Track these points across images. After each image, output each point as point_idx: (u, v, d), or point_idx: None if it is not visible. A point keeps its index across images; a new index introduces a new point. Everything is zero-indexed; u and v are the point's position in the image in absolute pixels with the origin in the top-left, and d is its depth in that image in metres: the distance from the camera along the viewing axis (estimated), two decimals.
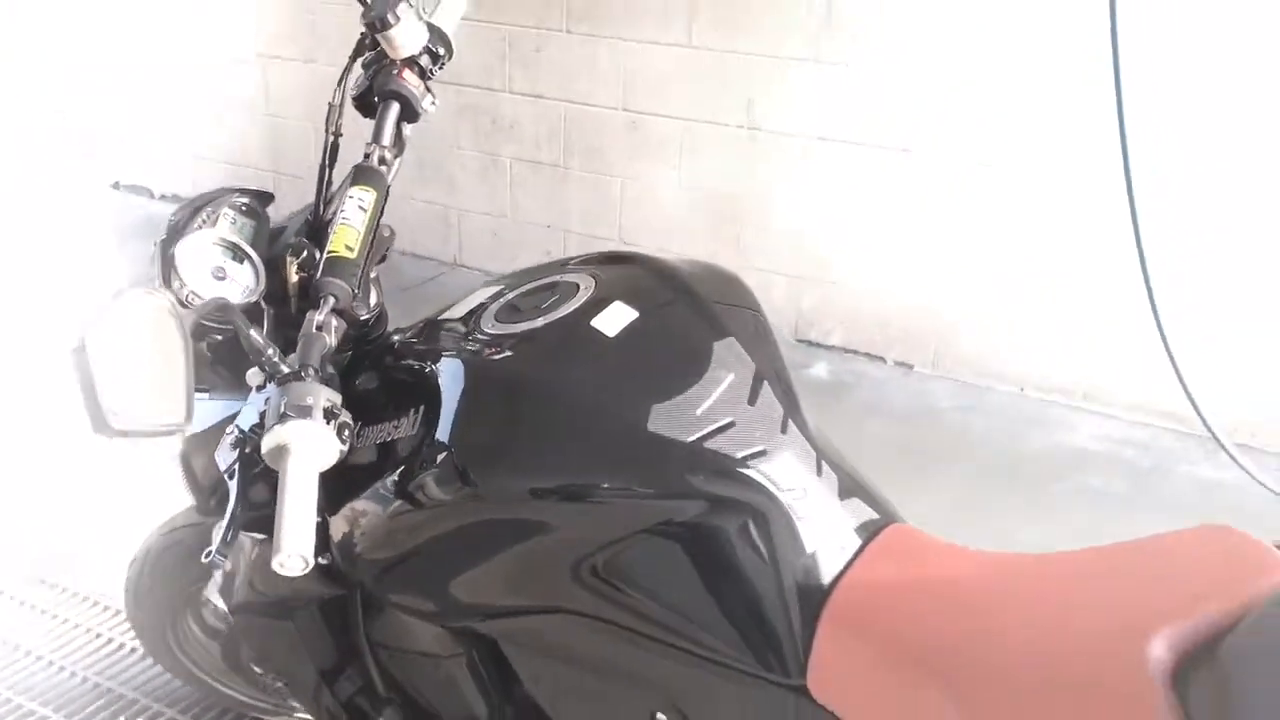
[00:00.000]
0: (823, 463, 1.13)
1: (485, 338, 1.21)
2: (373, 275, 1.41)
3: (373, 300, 1.38)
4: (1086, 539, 1.03)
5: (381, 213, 1.30)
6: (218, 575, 1.52)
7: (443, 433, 1.13)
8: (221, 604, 1.74)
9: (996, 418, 3.20)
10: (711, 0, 3.40)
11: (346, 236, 1.21)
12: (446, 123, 3.98)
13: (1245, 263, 2.94)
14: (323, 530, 1.29)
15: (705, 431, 1.09)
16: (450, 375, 1.18)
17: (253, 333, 1.14)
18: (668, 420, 1.09)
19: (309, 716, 1.98)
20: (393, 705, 1.40)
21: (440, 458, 1.13)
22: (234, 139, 4.49)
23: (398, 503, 1.17)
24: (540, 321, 1.19)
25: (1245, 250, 2.93)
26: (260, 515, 1.23)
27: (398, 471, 1.17)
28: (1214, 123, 2.85)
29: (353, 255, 1.20)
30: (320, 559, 1.32)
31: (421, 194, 4.14)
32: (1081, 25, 2.86)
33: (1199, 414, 2.68)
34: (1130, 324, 2.98)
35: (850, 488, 1.14)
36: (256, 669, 1.87)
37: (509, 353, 1.18)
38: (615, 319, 1.16)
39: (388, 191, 1.33)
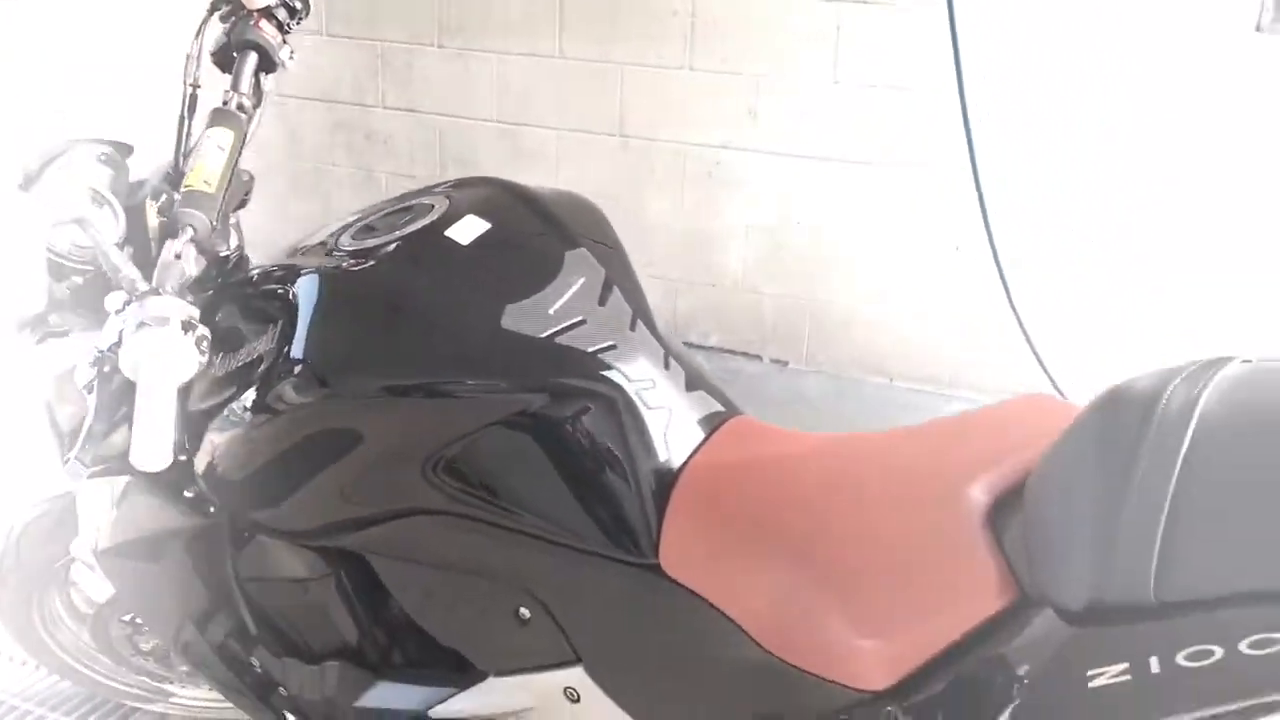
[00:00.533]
0: (670, 359, 1.20)
1: (340, 254, 1.24)
2: (233, 220, 1.43)
3: (233, 243, 1.40)
4: None
5: (239, 156, 1.32)
6: (84, 533, 1.51)
7: (297, 345, 1.17)
8: (89, 583, 1.71)
9: (867, 404, 3.31)
10: (580, 13, 3.49)
11: (204, 172, 1.24)
12: (320, 139, 3.98)
13: (1096, 244, 3.12)
14: (188, 464, 1.30)
15: (556, 329, 1.15)
16: (305, 291, 1.21)
17: (112, 251, 1.15)
18: (519, 318, 1.14)
19: (183, 701, 1.95)
20: (263, 644, 1.40)
21: (296, 368, 1.16)
22: None
23: (255, 418, 1.19)
24: (394, 235, 1.23)
25: (1095, 232, 3.11)
26: (120, 426, 1.23)
27: (254, 389, 1.19)
28: (1056, 107, 3.03)
29: (210, 189, 1.23)
30: (187, 492, 1.33)
31: (296, 210, 4.12)
32: None
33: (1056, 388, 2.83)
34: (993, 312, 3.13)
35: (696, 382, 1.21)
36: (127, 648, 1.83)
37: (363, 264, 1.21)
38: (468, 230, 1.21)
39: (246, 137, 1.35)
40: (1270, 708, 0.80)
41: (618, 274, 1.23)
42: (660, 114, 3.48)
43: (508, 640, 1.18)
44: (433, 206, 1.26)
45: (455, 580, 1.20)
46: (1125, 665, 0.83)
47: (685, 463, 1.13)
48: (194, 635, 1.43)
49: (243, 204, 1.46)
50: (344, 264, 1.23)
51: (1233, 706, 0.80)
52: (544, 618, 1.15)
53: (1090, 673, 0.84)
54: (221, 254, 1.36)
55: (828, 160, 3.31)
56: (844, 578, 1.00)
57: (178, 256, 1.20)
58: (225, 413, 1.23)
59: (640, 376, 1.15)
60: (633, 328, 1.19)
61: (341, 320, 1.20)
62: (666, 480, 1.12)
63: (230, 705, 1.89)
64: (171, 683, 1.94)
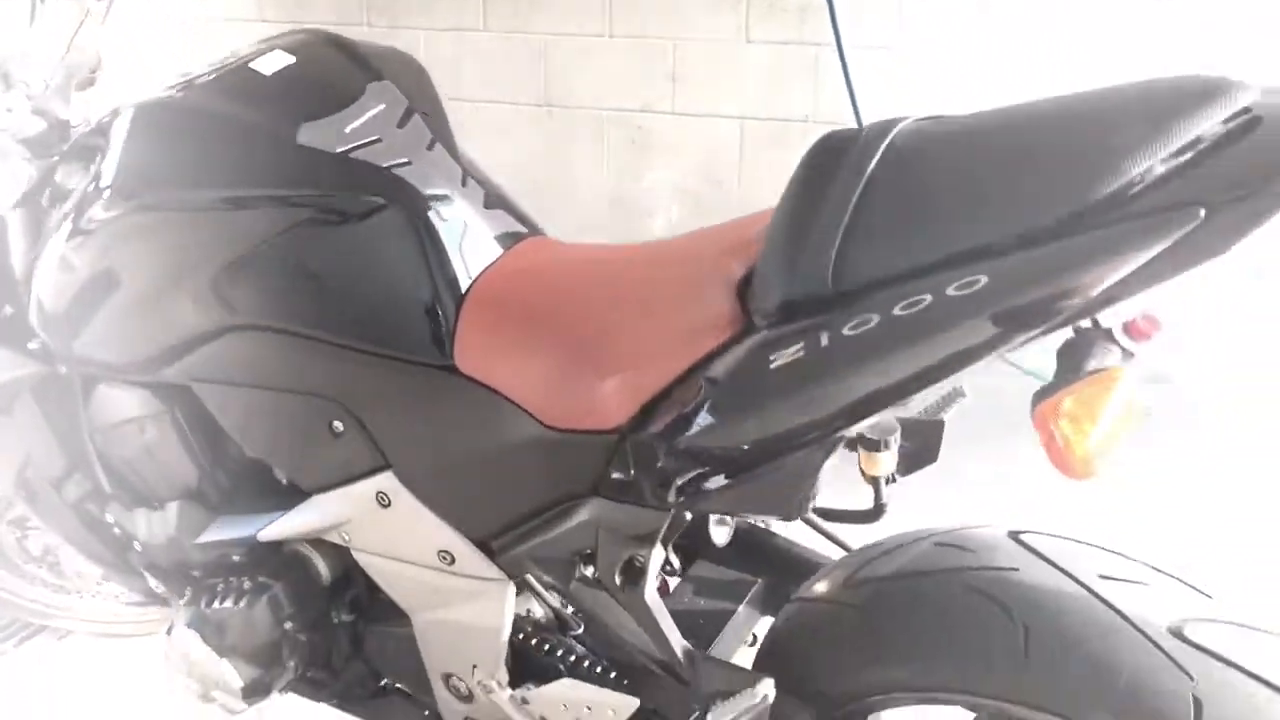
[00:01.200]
0: (469, 178, 1.25)
1: (160, 94, 1.30)
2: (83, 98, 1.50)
3: (78, 118, 1.47)
4: None
5: (77, 32, 1.39)
6: None
7: (107, 170, 1.24)
8: None
9: None
10: None
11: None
12: None
13: None
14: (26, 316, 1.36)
15: (350, 145, 1.20)
16: (119, 124, 1.29)
17: None
18: (312, 134, 1.20)
19: (86, 615, 1.97)
20: (116, 500, 1.44)
21: (105, 192, 1.23)
22: None
23: (72, 249, 1.25)
24: (205, 72, 1.29)
25: None
26: None
27: (69, 220, 1.26)
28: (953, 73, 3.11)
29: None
30: (32, 344, 1.38)
31: None
32: None
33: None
34: None
35: (496, 202, 1.26)
36: (18, 554, 1.86)
37: (173, 95, 1.27)
38: (273, 63, 1.28)
39: (89, 14, 1.42)
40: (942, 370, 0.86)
41: (420, 105, 1.29)
42: (582, 82, 3.56)
43: (325, 455, 1.22)
44: (253, 52, 1.33)
45: (272, 400, 1.24)
46: (800, 345, 0.89)
47: (482, 273, 1.19)
48: (54, 499, 1.47)
49: (90, 83, 1.52)
50: (157, 98, 1.29)
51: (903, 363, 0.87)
52: (355, 428, 1.20)
53: (771, 357, 0.91)
54: (62, 118, 1.42)
55: (770, 123, 3.38)
56: (601, 341, 1.05)
57: (9, 110, 1.27)
58: (48, 253, 1.29)
59: (434, 192, 1.21)
60: (430, 148, 1.25)
61: (142, 140, 1.26)
62: (459, 288, 1.17)
63: (135, 620, 1.92)
64: (69, 593, 1.96)
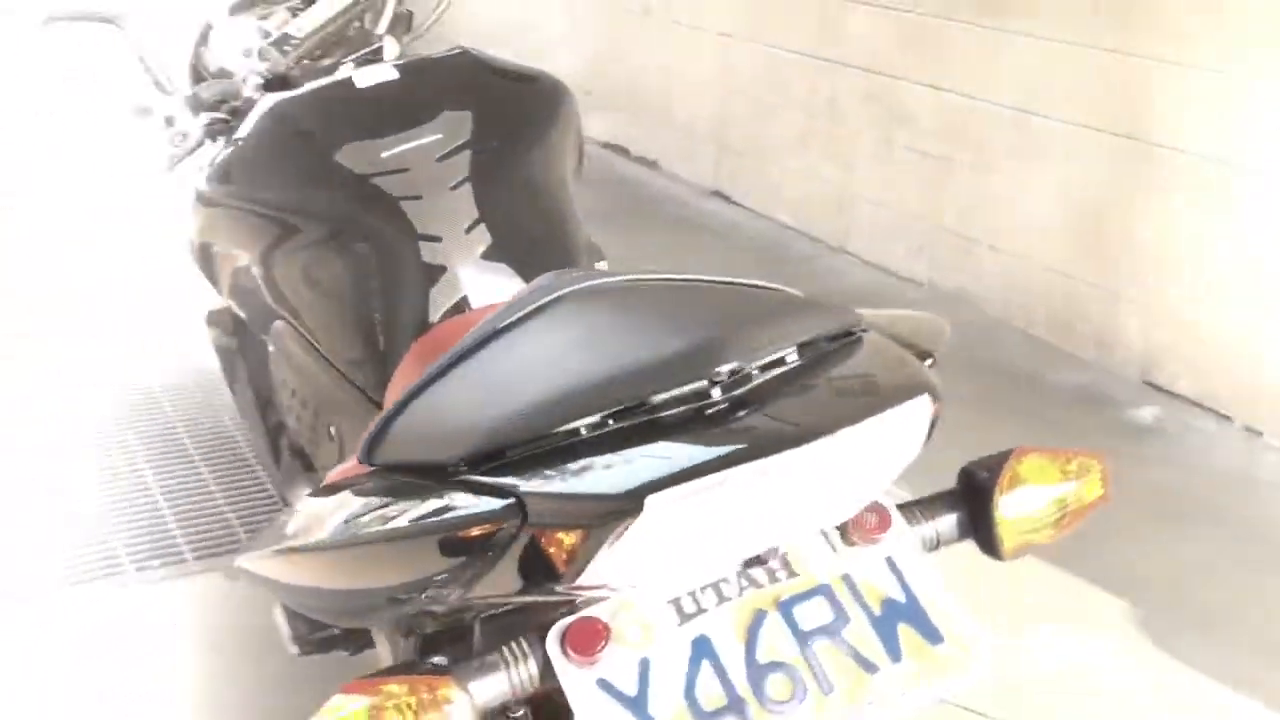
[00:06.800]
0: (481, 226, 1.22)
1: (283, 95, 1.42)
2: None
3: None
4: None
5: (349, 18, 1.54)
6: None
7: (222, 153, 1.42)
8: None
9: None
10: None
11: (300, 21, 1.46)
12: (851, 107, 4.04)
13: None
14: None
15: (377, 170, 1.25)
16: (250, 115, 1.42)
17: (148, 57, 1.50)
18: (353, 153, 1.26)
19: None
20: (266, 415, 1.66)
21: (214, 173, 1.42)
22: None
23: (197, 212, 1.46)
24: (336, 75, 1.41)
25: None
26: None
27: (198, 192, 1.47)
28: None
29: (298, 37, 1.45)
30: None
31: (820, 173, 4.25)
32: None
33: None
34: None
35: (500, 255, 1.22)
36: None
37: (283, 98, 1.39)
38: (374, 76, 1.34)
39: (365, 2, 1.56)
40: None
41: (488, 141, 1.27)
42: (1186, 122, 3.02)
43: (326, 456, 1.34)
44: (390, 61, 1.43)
45: (299, 386, 1.35)
46: None
47: (441, 319, 1.16)
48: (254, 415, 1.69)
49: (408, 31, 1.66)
50: (280, 96, 1.41)
51: None
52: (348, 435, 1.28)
53: None
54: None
55: None
56: None
57: (204, 73, 1.53)
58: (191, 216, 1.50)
59: (427, 231, 1.20)
60: (455, 188, 1.23)
61: (247, 133, 1.39)
62: (409, 330, 1.15)
63: None
64: None
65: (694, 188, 4.84)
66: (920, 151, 3.83)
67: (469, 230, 1.22)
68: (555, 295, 0.82)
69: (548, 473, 0.73)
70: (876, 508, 0.85)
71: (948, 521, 0.90)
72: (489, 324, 0.83)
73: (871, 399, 0.81)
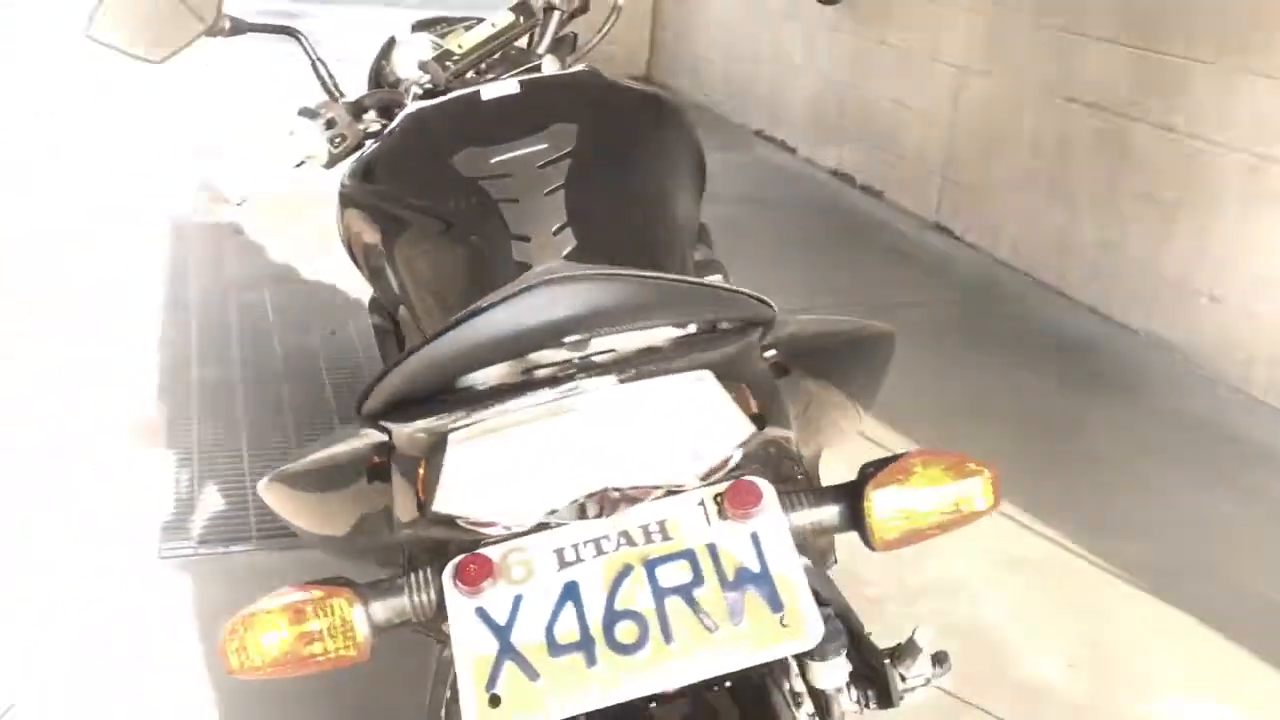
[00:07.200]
0: (567, 229, 1.29)
1: (427, 102, 1.56)
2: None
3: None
4: None
5: (510, 36, 1.66)
6: None
7: (368, 153, 1.55)
8: None
9: None
10: None
11: (462, 37, 1.59)
12: (1080, 146, 3.92)
13: None
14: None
15: (484, 175, 1.34)
16: (399, 120, 1.56)
17: (319, 67, 1.66)
18: (467, 158, 1.36)
19: None
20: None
21: (358, 171, 1.55)
22: None
23: (346, 210, 1.58)
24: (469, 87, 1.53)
25: None
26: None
27: (345, 185, 1.59)
28: None
29: (457, 53, 1.58)
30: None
31: (1042, 212, 4.13)
32: None
33: None
34: None
35: (584, 258, 1.27)
36: None
37: (424, 106, 1.53)
38: (499, 90, 1.46)
39: (526, 24, 1.67)
40: None
41: (590, 152, 1.35)
42: None
43: None
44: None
45: None
46: None
47: None
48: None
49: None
50: (421, 105, 1.54)
51: None
52: None
53: None
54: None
55: None
56: None
57: (384, 83, 1.66)
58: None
59: (522, 231, 1.28)
60: (549, 194, 1.31)
61: (384, 142, 1.53)
62: None
63: None
64: None
65: (916, 220, 4.80)
66: (1146, 195, 3.67)
67: (556, 232, 1.30)
68: (525, 285, 0.93)
69: (413, 415, 0.87)
70: (754, 489, 0.92)
71: (830, 511, 0.97)
72: (473, 307, 0.95)
73: (659, 368, 0.93)
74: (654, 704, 1.08)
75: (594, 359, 0.94)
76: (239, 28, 1.63)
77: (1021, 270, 4.22)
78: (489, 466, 0.87)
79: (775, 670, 1.07)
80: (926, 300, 4.00)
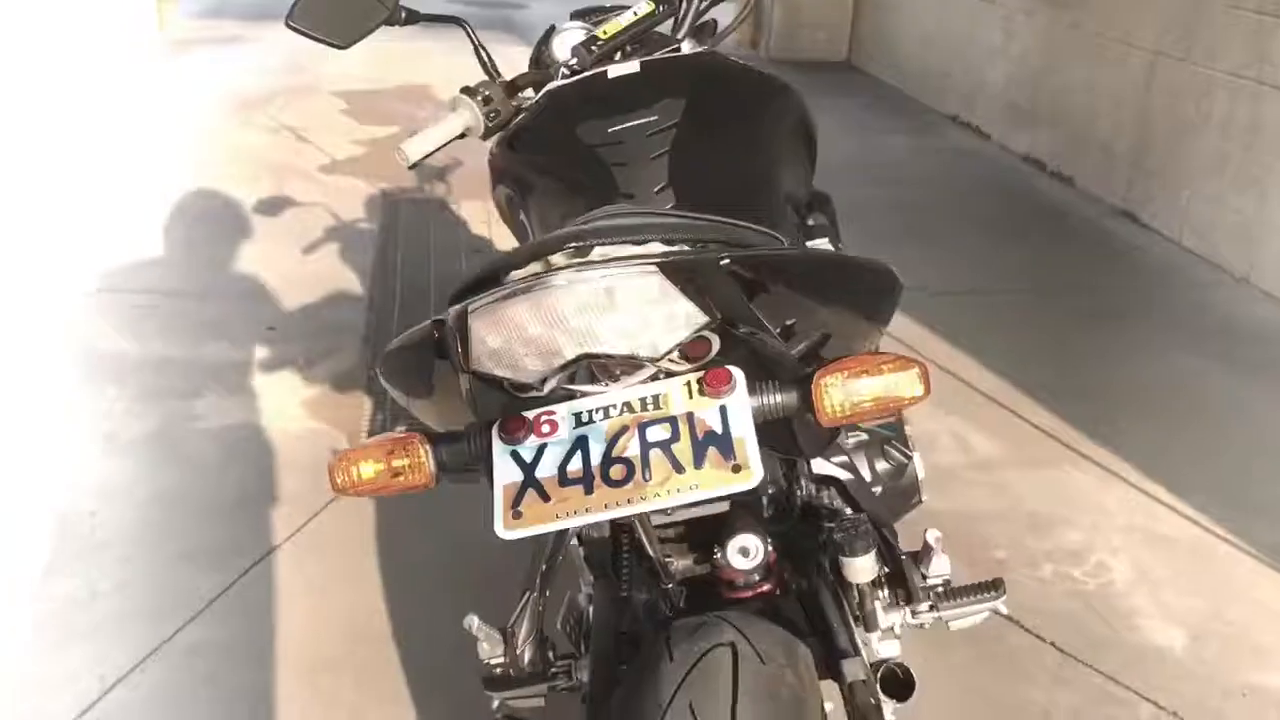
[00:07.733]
0: (669, 188, 1.49)
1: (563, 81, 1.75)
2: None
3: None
4: None
5: (649, 24, 1.79)
6: None
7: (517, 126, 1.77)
8: None
9: None
10: None
11: (608, 25, 1.79)
12: (1272, 133, 3.83)
13: None
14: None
15: (601, 142, 1.56)
16: (539, 96, 1.76)
17: (480, 49, 1.87)
18: (588, 128, 1.58)
19: None
20: None
21: (507, 140, 1.78)
22: None
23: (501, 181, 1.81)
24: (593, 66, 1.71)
25: None
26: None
27: (498, 153, 1.82)
28: None
29: (603, 38, 1.77)
30: None
31: (1231, 200, 4.05)
32: None
33: None
34: None
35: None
36: None
37: (563, 84, 1.72)
38: (623, 69, 1.66)
39: (661, 13, 1.80)
40: None
41: (695, 123, 1.53)
42: None
43: None
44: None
45: None
46: None
47: None
48: None
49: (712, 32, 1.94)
50: (557, 83, 1.73)
51: None
52: None
53: None
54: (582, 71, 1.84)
55: None
56: None
57: (543, 65, 1.83)
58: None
59: (629, 189, 1.50)
60: (655, 158, 1.53)
61: (527, 116, 1.73)
62: None
63: None
64: None
65: (1103, 206, 4.75)
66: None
67: (659, 192, 1.52)
68: (575, 229, 1.14)
69: (457, 310, 1.11)
70: (727, 374, 1.13)
71: (790, 395, 1.16)
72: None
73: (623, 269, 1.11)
74: (729, 605, 1.29)
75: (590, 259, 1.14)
76: (413, 18, 1.84)
77: (1207, 258, 4.14)
78: (514, 330, 1.10)
79: (822, 575, 1.27)
80: (1104, 286, 3.99)
